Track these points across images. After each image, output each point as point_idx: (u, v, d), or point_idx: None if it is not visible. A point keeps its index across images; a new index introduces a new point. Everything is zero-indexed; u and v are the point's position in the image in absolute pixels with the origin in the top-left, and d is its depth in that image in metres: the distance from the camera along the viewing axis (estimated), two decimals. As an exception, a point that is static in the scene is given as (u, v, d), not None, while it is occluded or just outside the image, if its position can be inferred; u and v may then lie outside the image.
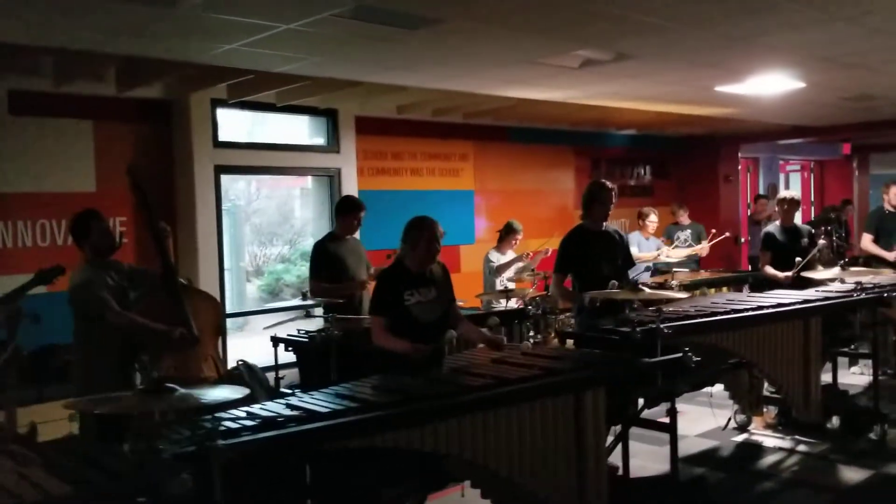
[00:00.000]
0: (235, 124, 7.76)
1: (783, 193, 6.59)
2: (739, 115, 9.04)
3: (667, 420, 4.23)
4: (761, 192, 14.36)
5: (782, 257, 6.25)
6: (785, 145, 13.61)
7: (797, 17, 4.70)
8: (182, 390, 2.44)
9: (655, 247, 8.26)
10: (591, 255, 5.07)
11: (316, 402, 2.90)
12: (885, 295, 5.33)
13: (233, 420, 2.61)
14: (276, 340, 5.09)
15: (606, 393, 3.57)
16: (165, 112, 6.83)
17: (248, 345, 7.10)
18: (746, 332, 4.62)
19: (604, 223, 5.19)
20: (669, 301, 4.55)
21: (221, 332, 4.57)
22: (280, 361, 5.31)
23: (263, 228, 14.89)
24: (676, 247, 9.74)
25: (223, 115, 7.12)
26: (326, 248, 5.65)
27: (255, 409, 2.76)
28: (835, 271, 5.76)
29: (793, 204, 6.46)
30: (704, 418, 5.88)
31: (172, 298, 4.19)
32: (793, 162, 16.13)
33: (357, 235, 6.03)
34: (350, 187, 7.93)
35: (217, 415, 2.59)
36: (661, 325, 3.91)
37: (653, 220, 8.15)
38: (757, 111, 8.75)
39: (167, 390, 2.38)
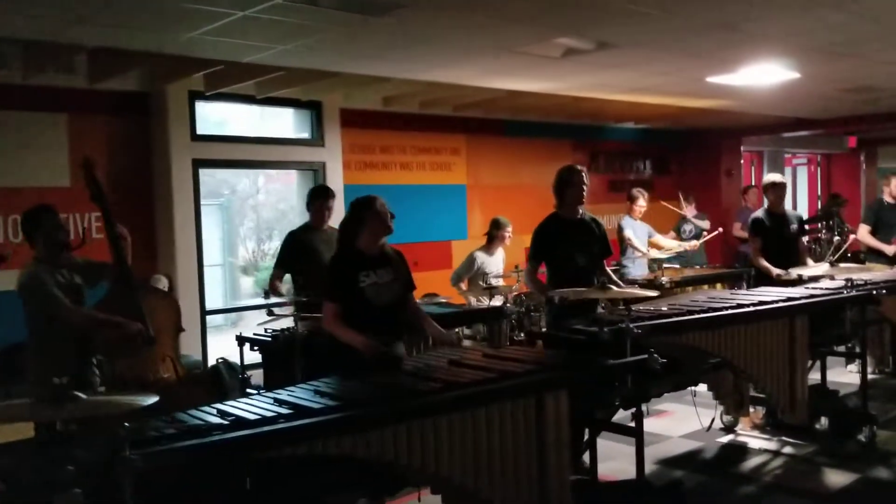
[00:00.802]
0: (218, 117, 7.64)
1: (768, 177, 6.33)
2: (736, 107, 8.83)
3: (649, 421, 4.04)
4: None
5: (772, 244, 6.02)
6: (789, 139, 13.36)
7: (783, 4, 4.51)
8: (85, 397, 2.30)
9: (647, 232, 8.06)
10: (564, 245, 4.91)
11: (250, 407, 2.76)
12: (875, 293, 5.12)
13: (155, 428, 2.48)
14: (241, 339, 4.95)
15: (572, 396, 3.42)
16: (142, 105, 6.70)
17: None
18: (726, 331, 4.44)
19: (580, 210, 5.01)
20: (642, 299, 4.36)
21: (182, 331, 4.42)
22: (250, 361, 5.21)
23: (262, 223, 14.77)
24: (682, 239, 9.56)
25: (202, 108, 7.00)
26: (297, 237, 5.47)
27: (182, 415, 2.63)
28: (825, 268, 5.56)
29: (778, 188, 6.20)
30: (691, 418, 5.67)
31: (128, 298, 4.07)
32: (799, 156, 15.86)
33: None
34: (335, 181, 7.78)
35: (137, 423, 2.45)
36: (631, 325, 3.74)
37: (641, 204, 7.96)
38: (754, 103, 8.53)
39: (71, 398, 2.24)
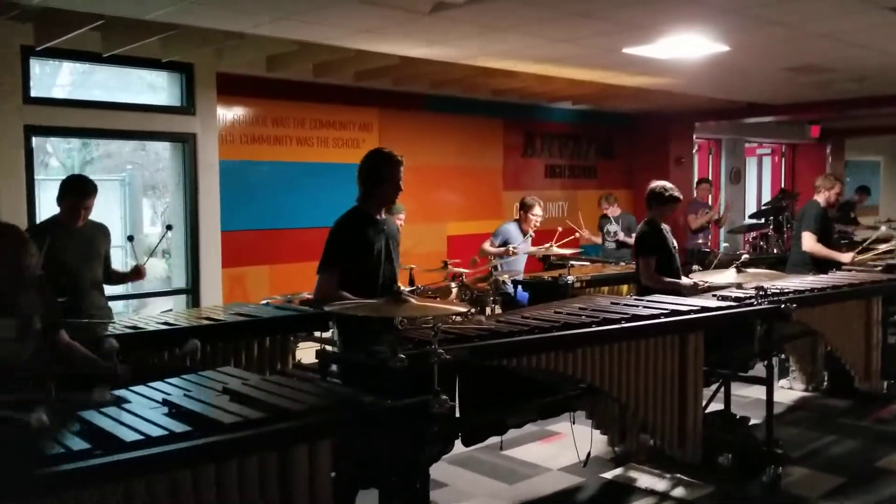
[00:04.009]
0: (78, 82, 6.69)
1: (662, 186, 5.27)
2: (673, 86, 7.93)
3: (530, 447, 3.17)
4: (726, 176, 13.33)
5: (664, 261, 5.09)
6: (748, 126, 12.52)
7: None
8: None
9: (528, 247, 7.01)
10: (372, 249, 3.87)
11: None
12: (784, 305, 4.26)
13: None
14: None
15: (344, 447, 2.57)
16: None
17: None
18: (587, 351, 3.59)
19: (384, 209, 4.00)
20: (452, 314, 3.46)
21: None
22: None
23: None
24: (606, 241, 8.77)
25: (41, 67, 6.04)
26: (41, 235, 3.95)
27: None
28: (731, 275, 4.69)
29: (675, 200, 5.22)
30: (582, 445, 4.74)
31: None
32: (765, 145, 15.02)
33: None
34: (208, 155, 6.85)
35: None
36: (439, 348, 2.85)
37: (537, 213, 6.92)
38: (691, 82, 7.64)
39: None
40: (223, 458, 2.28)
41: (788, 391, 6.41)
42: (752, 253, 9.15)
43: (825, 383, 6.32)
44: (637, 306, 4.07)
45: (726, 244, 9.73)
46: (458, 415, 3.39)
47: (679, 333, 4.02)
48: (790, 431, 5.39)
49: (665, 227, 5.31)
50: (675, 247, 5.27)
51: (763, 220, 10.12)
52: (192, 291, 6.91)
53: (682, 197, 5.36)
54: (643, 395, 3.92)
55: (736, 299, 4.48)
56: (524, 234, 6.92)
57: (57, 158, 13.94)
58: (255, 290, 7.46)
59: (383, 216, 3.97)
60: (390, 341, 2.95)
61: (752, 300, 4.43)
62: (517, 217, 7.15)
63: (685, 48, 5.93)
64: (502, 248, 6.79)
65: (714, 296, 4.66)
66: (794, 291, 4.88)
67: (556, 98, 9.21)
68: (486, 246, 6.95)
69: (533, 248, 7.05)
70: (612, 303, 4.19)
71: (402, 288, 3.26)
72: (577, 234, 8.14)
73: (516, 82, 7.81)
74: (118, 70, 6.49)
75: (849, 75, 7.45)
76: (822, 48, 5.93)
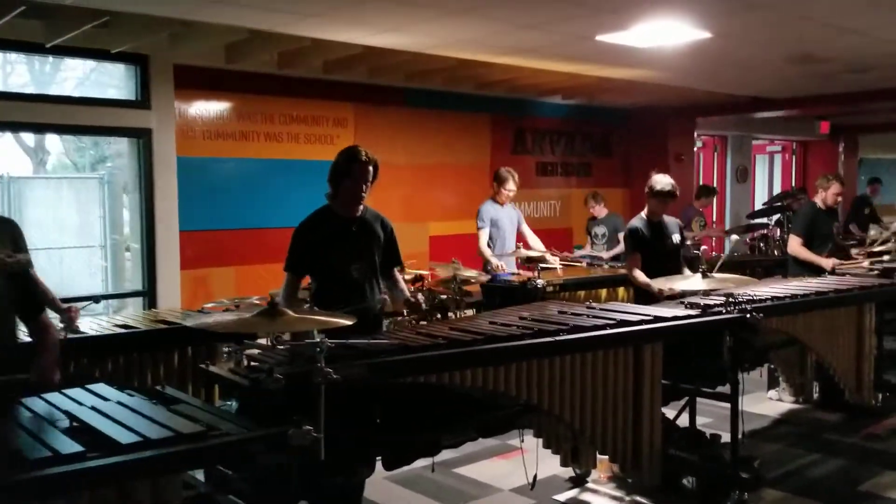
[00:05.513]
0: (16, 73, 6.39)
1: (656, 182, 5.09)
2: (658, 78, 7.49)
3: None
4: (731, 174, 12.79)
5: (651, 258, 4.85)
6: (756, 123, 12.02)
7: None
8: None
9: (517, 217, 6.64)
10: (337, 251, 3.78)
11: None
12: (749, 315, 3.84)
13: None
14: None
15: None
16: None
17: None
18: (524, 366, 3.22)
19: (360, 207, 3.85)
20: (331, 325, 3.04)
21: None
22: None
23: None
24: (594, 244, 8.38)
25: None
26: None
27: None
28: (697, 281, 4.28)
29: (662, 195, 5.04)
30: (541, 462, 4.38)
31: None
32: (776, 142, 14.49)
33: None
34: (165, 151, 6.52)
35: None
36: (325, 367, 2.48)
37: (510, 187, 6.54)
38: (676, 74, 7.20)
39: None
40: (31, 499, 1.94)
41: (777, 403, 6.00)
42: (751, 255, 8.70)
43: (815, 395, 5.89)
44: (585, 315, 3.68)
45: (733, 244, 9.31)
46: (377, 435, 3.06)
47: (633, 345, 3.63)
48: (771, 448, 4.99)
49: (671, 221, 5.29)
50: (675, 243, 5.16)
51: (763, 220, 9.64)
52: (148, 294, 6.61)
53: (674, 191, 5.16)
54: (590, 412, 3.54)
55: (704, 307, 4.08)
56: (501, 206, 6.55)
57: (67, 157, 13.69)
58: (219, 292, 7.13)
59: (360, 213, 3.86)
60: (271, 357, 2.59)
61: (721, 308, 4.02)
62: (492, 191, 6.71)
63: (663, 35, 5.52)
64: (495, 261, 6.38)
65: (681, 303, 4.26)
66: (773, 298, 4.47)
67: (545, 92, 8.80)
68: (484, 249, 6.52)
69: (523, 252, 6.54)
70: (559, 311, 3.81)
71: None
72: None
73: (498, 74, 7.43)
74: (67, 62, 6.19)
75: (849, 66, 6.99)
76: (813, 35, 5.49)
